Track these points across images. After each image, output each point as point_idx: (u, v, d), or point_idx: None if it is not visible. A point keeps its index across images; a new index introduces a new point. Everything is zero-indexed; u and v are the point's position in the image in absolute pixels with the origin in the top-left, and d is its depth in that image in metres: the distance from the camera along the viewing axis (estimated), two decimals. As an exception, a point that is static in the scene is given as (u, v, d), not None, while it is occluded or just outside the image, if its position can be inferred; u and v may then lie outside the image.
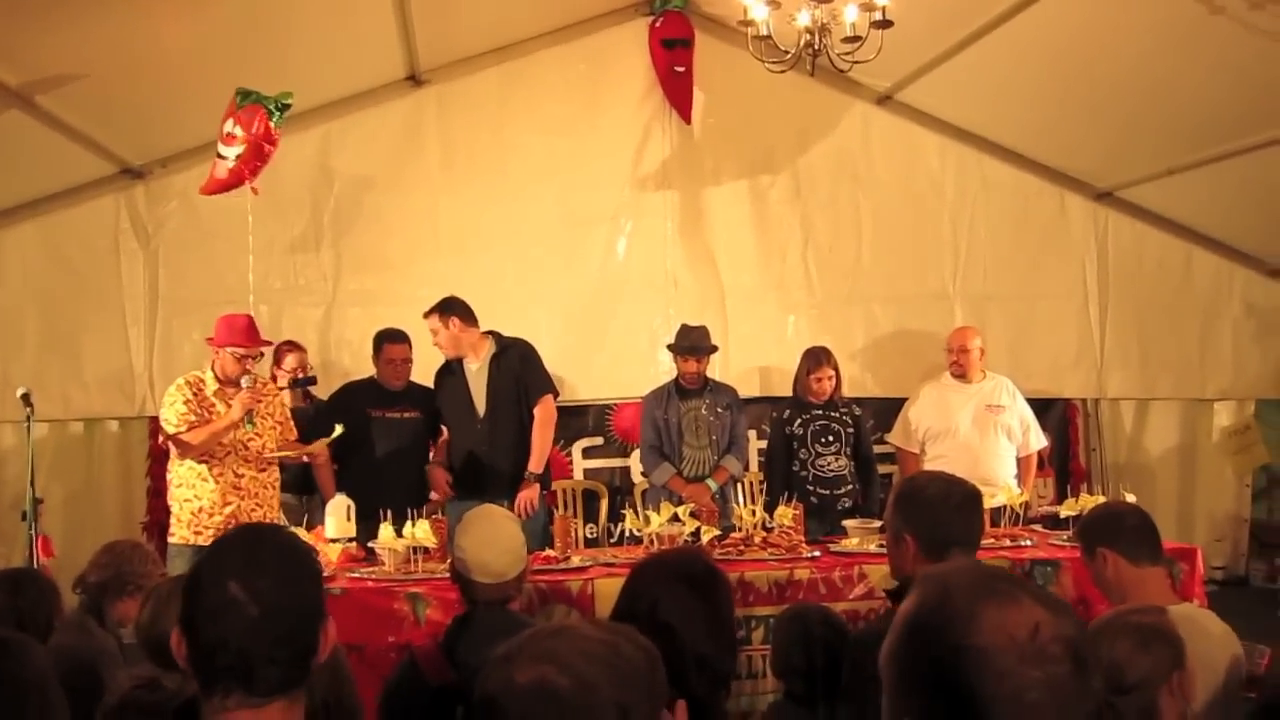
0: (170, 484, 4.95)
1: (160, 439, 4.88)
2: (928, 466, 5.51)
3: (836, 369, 5.63)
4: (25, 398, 4.65)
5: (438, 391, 5.45)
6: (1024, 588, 1.20)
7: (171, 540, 4.82)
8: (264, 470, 4.99)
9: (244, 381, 4.84)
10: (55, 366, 5.83)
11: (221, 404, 4.86)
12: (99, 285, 5.98)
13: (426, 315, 5.29)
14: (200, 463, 4.82)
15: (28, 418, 4.66)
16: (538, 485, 5.20)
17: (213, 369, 4.95)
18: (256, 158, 5.08)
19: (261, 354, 5.06)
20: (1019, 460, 5.72)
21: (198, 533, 4.76)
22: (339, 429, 4.99)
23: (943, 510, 2.48)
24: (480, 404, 5.29)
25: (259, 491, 4.95)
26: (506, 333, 5.45)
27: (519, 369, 5.30)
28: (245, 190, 6.01)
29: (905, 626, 1.21)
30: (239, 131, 5.00)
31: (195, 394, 4.85)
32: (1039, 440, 5.83)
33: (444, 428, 5.49)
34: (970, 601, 1.17)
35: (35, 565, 4.37)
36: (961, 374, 5.67)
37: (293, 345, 5.82)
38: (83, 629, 3.13)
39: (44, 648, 2.65)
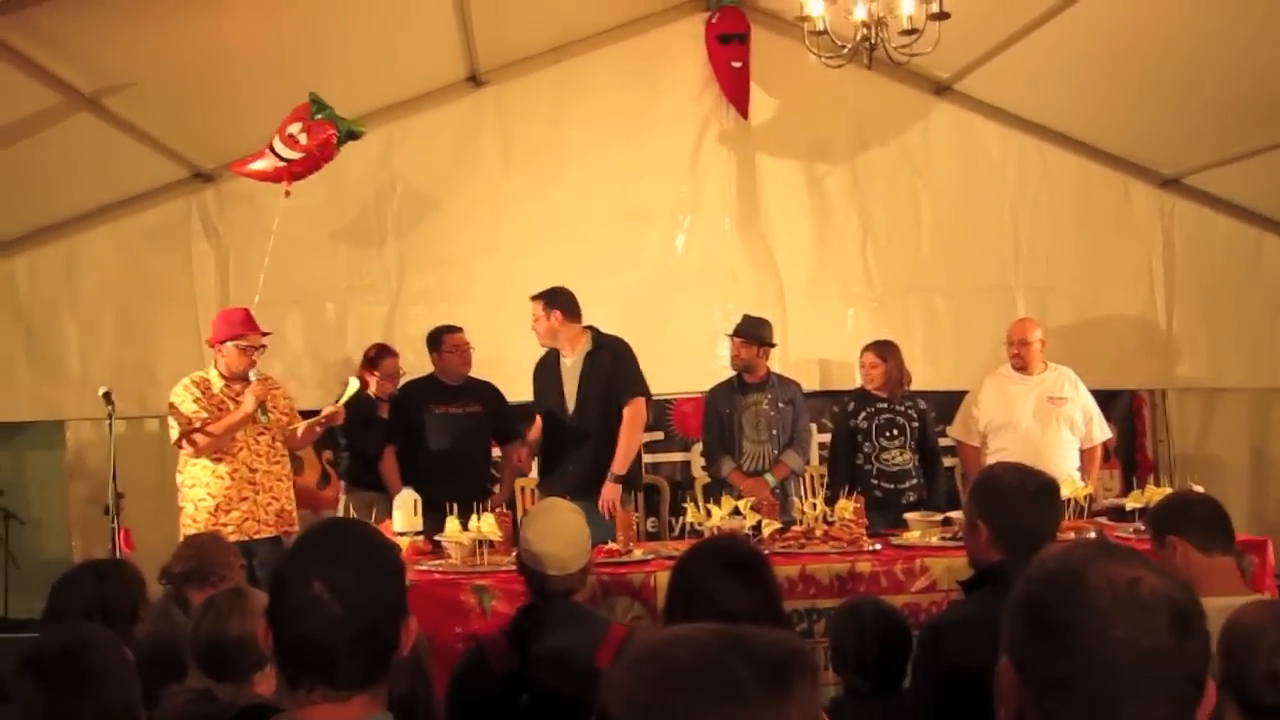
0: (181, 485, 4.97)
1: (174, 440, 4.90)
2: (990, 459, 5.47)
3: (897, 362, 5.62)
4: (107, 396, 4.82)
5: (535, 381, 5.49)
6: (1143, 559, 1.27)
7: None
8: (277, 463, 5.05)
9: (251, 375, 4.91)
10: (131, 366, 6.00)
11: (230, 401, 4.92)
12: (172, 286, 6.15)
13: (534, 299, 5.31)
14: (213, 460, 4.87)
15: (109, 415, 4.83)
16: (620, 486, 5.14)
17: (216, 368, 5.01)
18: (308, 168, 5.16)
19: (264, 345, 5.08)
20: (1082, 452, 5.65)
21: (215, 530, 4.71)
22: (354, 383, 5.12)
23: (1018, 499, 2.50)
24: (571, 399, 5.29)
25: (273, 485, 5.01)
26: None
27: (611, 368, 5.26)
28: (310, 190, 6.18)
29: (1029, 574, 1.29)
30: (304, 139, 5.08)
31: (203, 392, 4.91)
32: (1103, 432, 5.76)
33: (537, 416, 5.49)
34: (1088, 556, 1.26)
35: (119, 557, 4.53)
36: (1022, 366, 5.61)
37: (386, 349, 5.86)
38: (168, 616, 3.24)
39: (126, 633, 2.76)
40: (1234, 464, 7.01)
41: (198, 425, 4.83)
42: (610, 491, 5.10)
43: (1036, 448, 5.33)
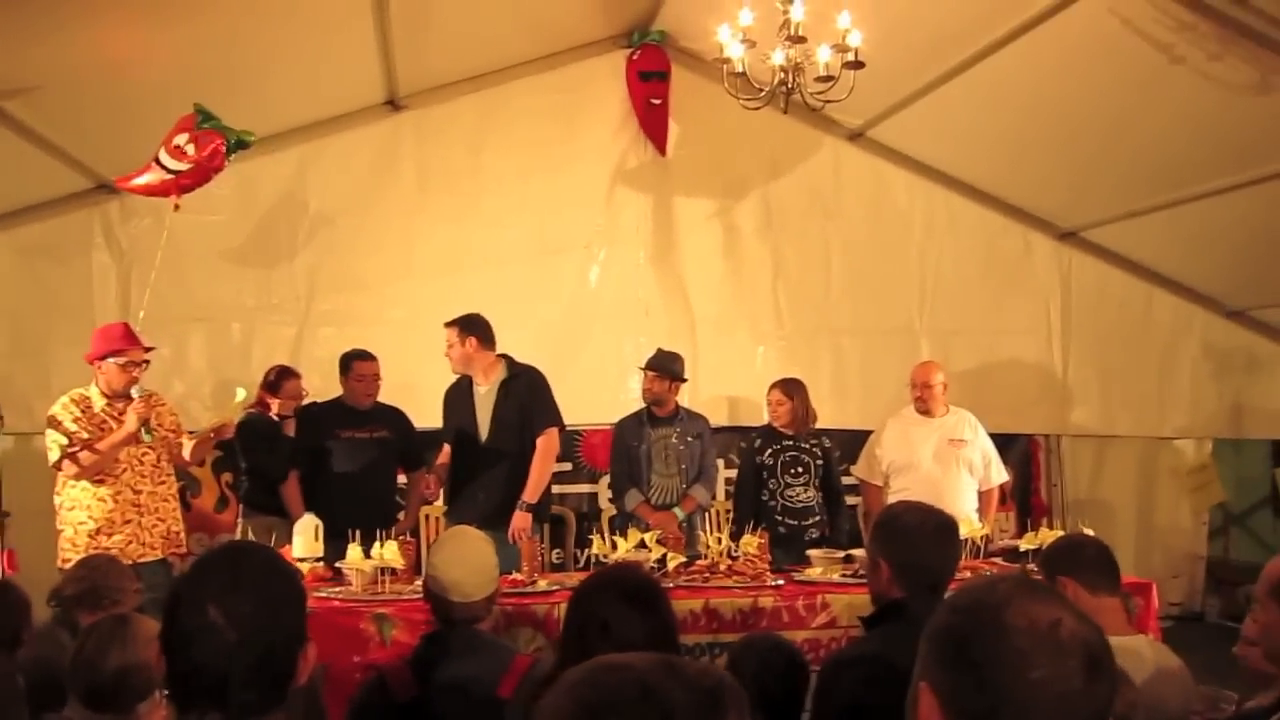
0: (60, 507, 4.74)
1: (53, 461, 4.65)
2: (891, 499, 5.58)
3: (804, 400, 5.70)
4: (-6, 410, 4.64)
5: (445, 408, 5.43)
6: (1059, 597, 1.33)
7: (64, 567, 4.38)
8: (162, 483, 4.87)
9: (134, 392, 4.70)
10: (22, 379, 5.78)
11: (111, 420, 4.71)
12: (70, 299, 5.96)
13: (448, 325, 5.26)
14: (94, 482, 4.66)
15: (-5, 432, 4.65)
16: (531, 515, 5.10)
17: (97, 385, 4.78)
18: (197, 180, 4.98)
19: (147, 361, 4.86)
20: (980, 494, 5.79)
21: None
22: (240, 393, 4.99)
23: (918, 538, 2.55)
24: (484, 428, 5.25)
25: (159, 506, 4.83)
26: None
27: (526, 397, 5.24)
28: (219, 206, 6.06)
29: (949, 604, 1.34)
30: (191, 150, 4.88)
31: (84, 411, 4.69)
32: (1000, 475, 5.91)
33: (445, 445, 5.45)
34: (1010, 591, 1.29)
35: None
36: (925, 409, 5.74)
37: (289, 372, 5.74)
38: (54, 641, 3.11)
39: (9, 658, 2.65)
40: (1122, 509, 7.28)
41: (78, 445, 4.62)
42: (521, 520, 5.06)
43: (937, 489, 5.44)
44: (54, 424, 4.66)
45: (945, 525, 2.61)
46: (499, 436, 5.23)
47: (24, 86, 4.68)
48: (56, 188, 5.77)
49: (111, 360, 4.72)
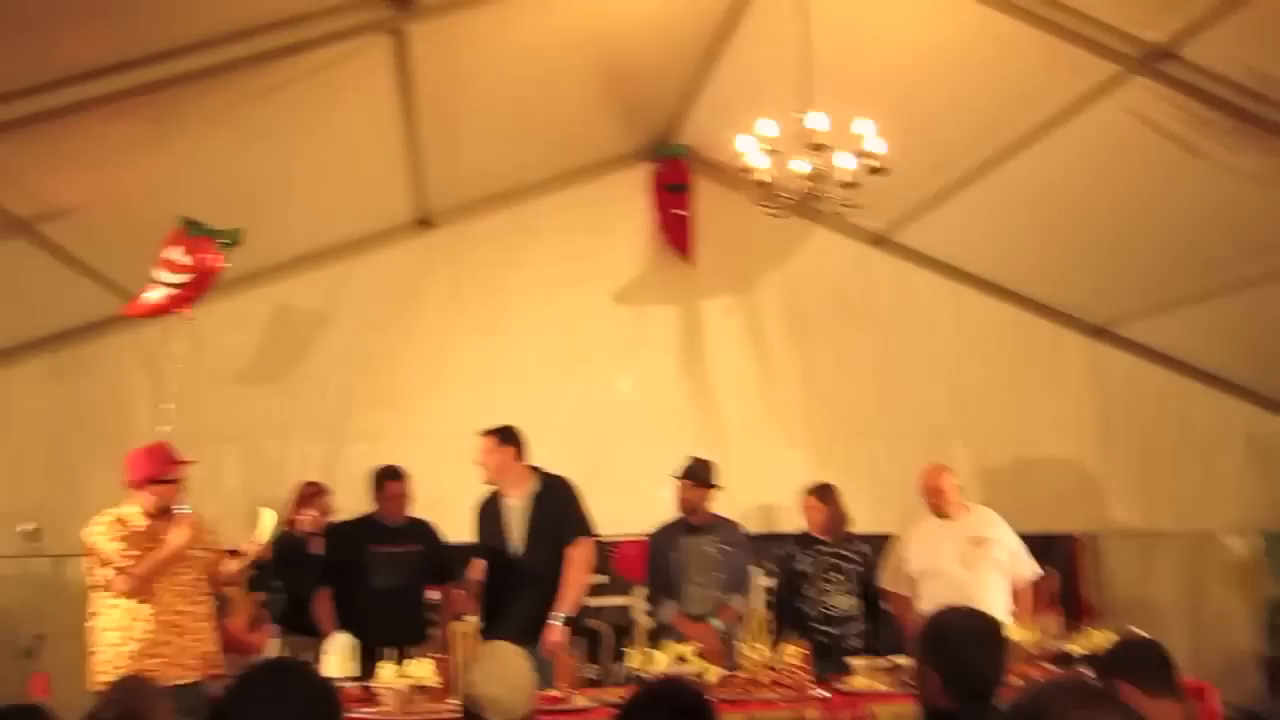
0: (95, 629, 4.59)
1: (99, 581, 4.56)
2: (922, 606, 5.48)
3: (837, 504, 5.64)
4: (33, 533, 4.64)
5: (479, 523, 5.38)
6: (1119, 704, 1.31)
7: (96, 689, 4.28)
8: (199, 603, 4.75)
9: (179, 509, 4.66)
10: (58, 502, 5.80)
11: (151, 540, 4.61)
12: (106, 421, 6.00)
13: (485, 434, 5.25)
14: (137, 601, 4.54)
15: (35, 553, 4.64)
16: (567, 628, 4.98)
17: (141, 505, 4.69)
18: (199, 288, 5.03)
19: (185, 476, 4.81)
20: (1015, 593, 5.63)
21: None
22: (268, 515, 4.90)
23: (965, 643, 2.49)
24: (517, 541, 5.20)
25: (197, 626, 4.71)
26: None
27: (559, 508, 5.20)
28: (253, 326, 6.16)
29: (1007, 713, 1.33)
30: (187, 260, 4.93)
31: (126, 529, 4.60)
32: (1030, 568, 5.72)
33: (478, 560, 5.39)
34: (1066, 701, 1.28)
35: (32, 705, 4.28)
36: (942, 514, 5.64)
37: (316, 487, 5.75)
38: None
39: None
40: (1171, 608, 7.07)
41: (128, 564, 4.54)
42: (556, 634, 4.94)
43: (966, 592, 5.21)
44: (95, 544, 4.58)
45: (991, 629, 2.55)
46: (533, 548, 5.18)
47: (61, 209, 4.80)
48: (93, 311, 5.88)
49: (167, 479, 4.68)
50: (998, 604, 5.42)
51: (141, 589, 4.55)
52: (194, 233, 4.96)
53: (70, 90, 3.83)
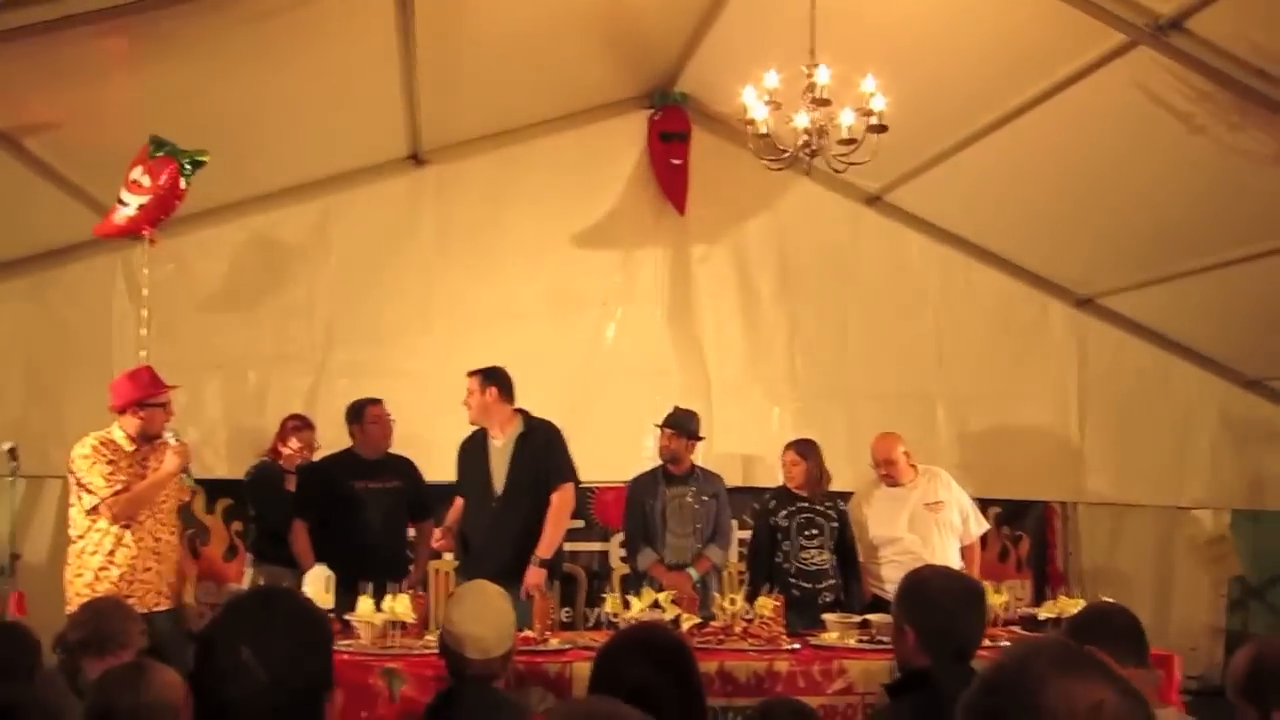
0: (79, 552, 4.62)
1: (88, 507, 4.56)
2: (883, 573, 5.55)
3: (818, 461, 5.67)
4: (11, 451, 4.63)
5: (460, 461, 5.40)
6: (1102, 669, 1.24)
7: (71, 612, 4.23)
8: (174, 532, 4.87)
9: (168, 435, 4.69)
10: (38, 423, 5.78)
11: (139, 465, 4.69)
12: (88, 344, 5.96)
13: (470, 374, 5.27)
14: (121, 527, 4.59)
15: (12, 472, 4.63)
16: (545, 571, 5.05)
17: (123, 430, 4.73)
18: (160, 210, 4.89)
19: (170, 400, 4.87)
20: (963, 551, 5.67)
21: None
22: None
23: (944, 604, 2.51)
24: (499, 482, 5.22)
25: (171, 555, 4.81)
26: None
27: (542, 452, 5.23)
28: (240, 254, 6.10)
29: (982, 680, 1.27)
30: (146, 181, 4.82)
31: (114, 454, 4.64)
32: (980, 526, 5.77)
33: (458, 499, 5.41)
34: (1046, 667, 1.22)
35: (8, 621, 4.30)
36: (894, 483, 5.67)
37: (300, 421, 5.74)
38: (54, 687, 3.06)
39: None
40: (1138, 578, 7.17)
41: (119, 488, 4.55)
42: (535, 576, 4.99)
43: (921, 558, 5.24)
44: (84, 469, 4.59)
45: (973, 591, 2.58)
46: (514, 491, 5.20)
47: (47, 125, 4.71)
48: (78, 232, 5.80)
49: (151, 403, 4.70)
50: (952, 566, 5.48)
51: (126, 516, 4.57)
52: (155, 153, 4.82)
53: (61, 3, 3.74)
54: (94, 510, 4.58)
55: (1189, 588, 7.27)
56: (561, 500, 5.19)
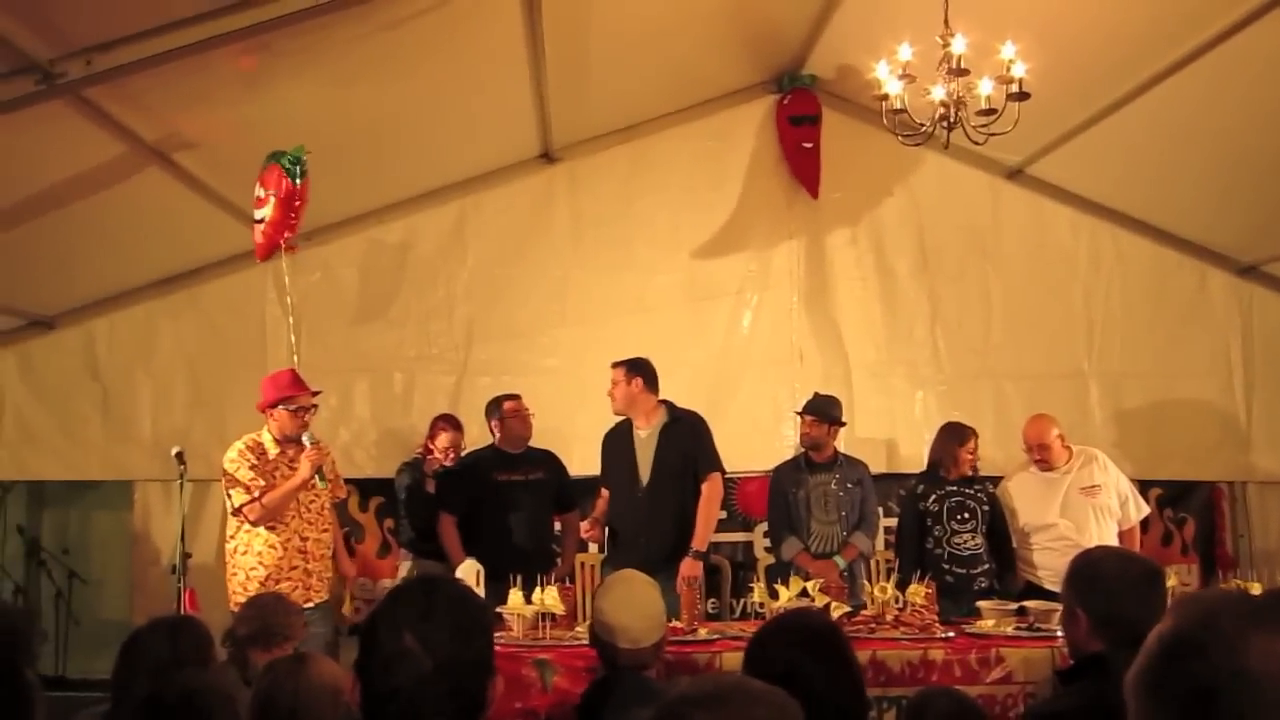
0: (232, 552, 4.85)
1: (234, 508, 4.78)
2: (1035, 559, 5.39)
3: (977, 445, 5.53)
4: (179, 456, 4.86)
5: (605, 451, 5.44)
6: None
7: (235, 610, 4.48)
8: (325, 530, 4.98)
9: (305, 439, 4.81)
10: (201, 429, 6.06)
11: (284, 466, 4.84)
12: (244, 352, 6.21)
13: (615, 365, 5.30)
14: (267, 528, 4.76)
15: (181, 475, 4.87)
16: (700, 562, 5.07)
17: (270, 431, 4.91)
18: (286, 213, 4.85)
19: (315, 406, 4.99)
20: (1121, 535, 5.43)
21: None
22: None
23: (1119, 586, 2.39)
24: (645, 472, 5.23)
25: (322, 554, 4.94)
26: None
27: (689, 443, 5.24)
28: (382, 261, 6.27)
29: (1163, 646, 1.14)
30: (262, 193, 4.86)
31: (258, 457, 4.82)
32: (1140, 510, 5.53)
33: (603, 490, 5.45)
34: (1240, 624, 1.09)
35: (183, 618, 4.51)
36: (1047, 468, 5.45)
37: (448, 421, 5.81)
38: (226, 680, 3.19)
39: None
40: (1319, 561, 6.75)
41: (257, 493, 4.74)
42: (692, 567, 5.02)
43: (1076, 544, 4.98)
44: (231, 472, 4.79)
45: (1150, 572, 2.44)
46: (660, 481, 5.21)
47: (197, 142, 4.91)
48: (232, 246, 6.06)
49: (282, 407, 4.85)
50: None
51: (268, 518, 4.75)
52: (266, 164, 4.86)
53: (206, 25, 3.89)
54: (238, 512, 4.78)
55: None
56: (712, 490, 5.19)
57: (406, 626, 1.58)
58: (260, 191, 4.88)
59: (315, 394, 5.02)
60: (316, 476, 4.81)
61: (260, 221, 4.92)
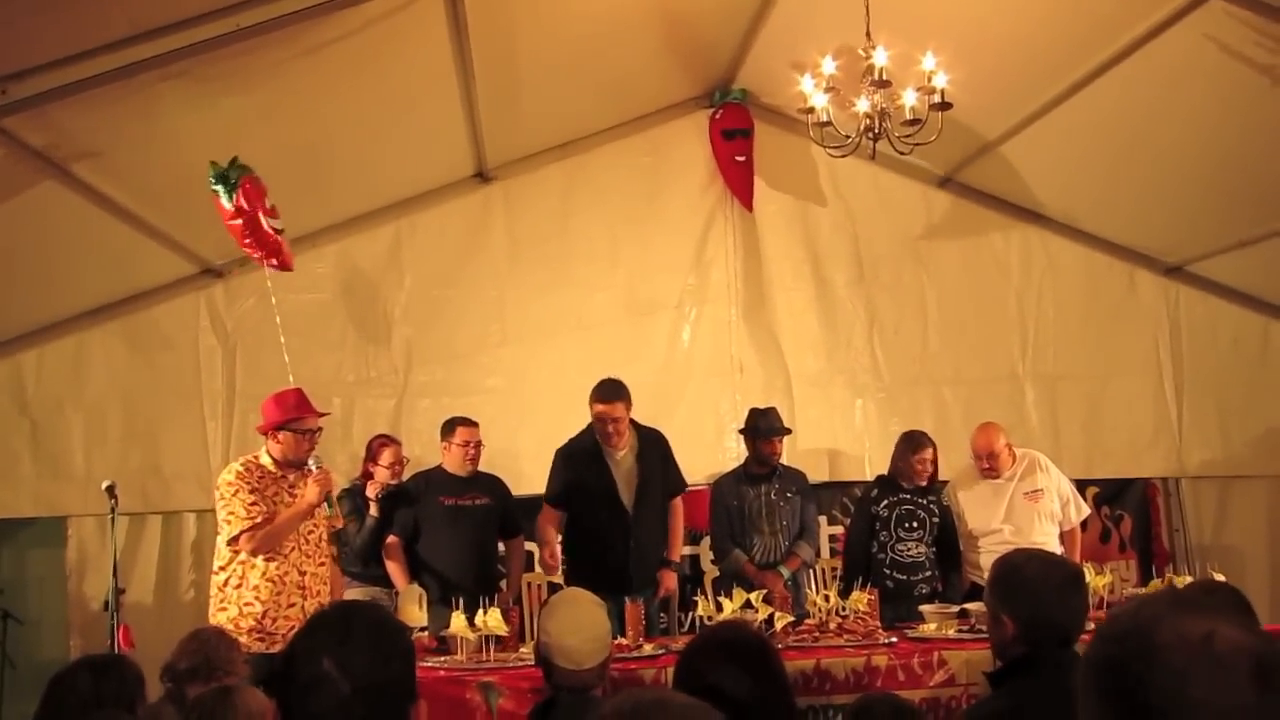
0: (222, 585, 4.45)
1: (229, 536, 4.38)
2: (982, 562, 5.43)
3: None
4: (110, 490, 4.75)
5: (565, 474, 5.28)
6: (1217, 612, 1.23)
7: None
8: (322, 564, 4.68)
9: (311, 463, 4.52)
10: (136, 462, 5.94)
11: (284, 491, 4.52)
12: (179, 381, 6.11)
13: (614, 401, 5.13)
14: (265, 559, 4.40)
15: (112, 510, 4.76)
16: (676, 574, 5.30)
17: (270, 454, 4.57)
18: (245, 234, 4.63)
19: (320, 428, 4.69)
20: (1063, 537, 5.54)
21: (262, 639, 4.35)
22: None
23: (1042, 590, 2.42)
24: (626, 495, 5.19)
25: (319, 589, 4.62)
26: (573, 421, 5.44)
27: (664, 463, 5.31)
28: (319, 284, 6.20)
29: (1100, 634, 1.27)
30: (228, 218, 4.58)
31: (258, 481, 4.47)
32: (1080, 512, 5.65)
33: (551, 509, 5.37)
34: (1159, 608, 1.23)
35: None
36: (995, 476, 5.53)
37: (388, 439, 5.72)
38: (159, 717, 3.14)
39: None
40: (1252, 553, 6.90)
41: (259, 519, 4.38)
42: (672, 579, 5.22)
43: (1018, 547, 5.14)
44: (229, 496, 4.42)
45: (1071, 577, 2.47)
46: (646, 504, 5.22)
47: (123, 170, 4.83)
48: (164, 274, 5.97)
49: (290, 429, 4.53)
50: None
51: (266, 548, 4.43)
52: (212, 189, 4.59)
53: (126, 51, 3.84)
54: (234, 541, 4.41)
55: (1308, 558, 6.97)
56: (680, 505, 5.40)
57: (324, 651, 1.57)
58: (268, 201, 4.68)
59: (323, 415, 4.75)
60: (326, 504, 4.54)
61: (280, 233, 4.75)
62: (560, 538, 5.37)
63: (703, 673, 2.20)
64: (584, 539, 5.29)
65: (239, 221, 4.58)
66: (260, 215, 4.62)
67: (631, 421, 5.32)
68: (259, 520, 4.39)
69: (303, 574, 4.54)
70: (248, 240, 4.67)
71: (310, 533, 4.59)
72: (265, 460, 4.59)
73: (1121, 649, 1.21)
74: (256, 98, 4.67)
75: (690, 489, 6.36)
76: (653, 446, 5.29)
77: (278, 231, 4.76)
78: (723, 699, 2.02)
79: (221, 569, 4.48)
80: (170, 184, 5.04)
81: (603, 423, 5.13)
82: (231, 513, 4.40)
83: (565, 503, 5.34)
